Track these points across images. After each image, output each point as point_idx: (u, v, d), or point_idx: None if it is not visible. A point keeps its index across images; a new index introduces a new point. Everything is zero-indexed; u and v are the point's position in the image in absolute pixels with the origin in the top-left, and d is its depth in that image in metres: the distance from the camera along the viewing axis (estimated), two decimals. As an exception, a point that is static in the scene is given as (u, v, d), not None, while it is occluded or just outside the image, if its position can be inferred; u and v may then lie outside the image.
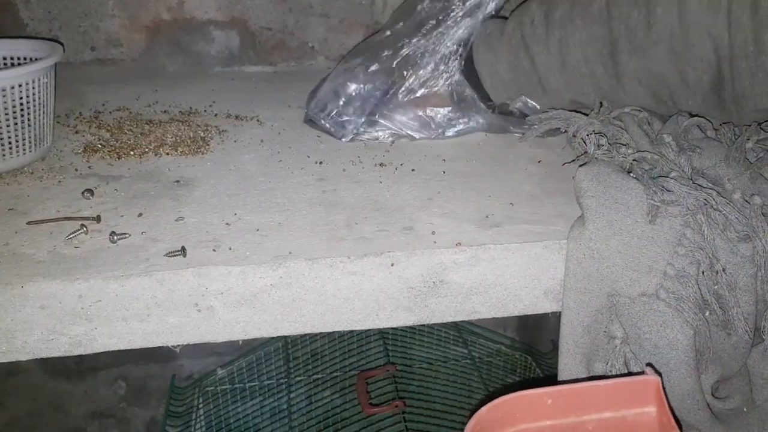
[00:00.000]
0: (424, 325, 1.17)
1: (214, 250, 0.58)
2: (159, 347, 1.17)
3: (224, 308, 0.57)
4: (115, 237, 0.59)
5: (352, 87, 0.81)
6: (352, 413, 1.01)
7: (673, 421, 0.46)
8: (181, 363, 1.25)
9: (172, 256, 0.57)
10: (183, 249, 0.57)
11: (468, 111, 0.82)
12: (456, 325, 1.19)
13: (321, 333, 1.16)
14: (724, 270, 0.58)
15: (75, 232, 0.60)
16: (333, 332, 1.16)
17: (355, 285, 0.58)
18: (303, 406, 1.11)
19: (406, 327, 1.17)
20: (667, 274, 0.58)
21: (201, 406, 1.13)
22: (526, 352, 1.22)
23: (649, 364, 0.53)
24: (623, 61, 0.73)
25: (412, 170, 0.73)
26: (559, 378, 0.63)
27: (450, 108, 0.82)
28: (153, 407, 1.26)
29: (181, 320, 0.56)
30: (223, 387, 1.14)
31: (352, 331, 1.16)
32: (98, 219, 0.62)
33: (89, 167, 0.74)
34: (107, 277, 0.54)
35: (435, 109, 0.82)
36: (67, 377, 1.22)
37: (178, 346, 0.58)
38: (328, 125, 0.81)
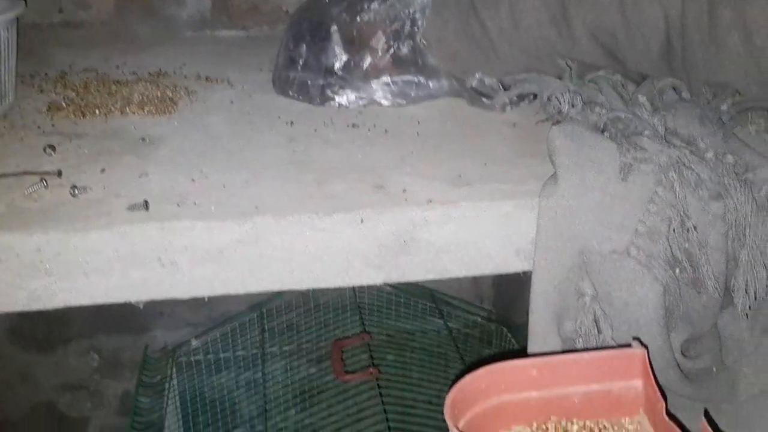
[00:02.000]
0: (400, 297, 1.16)
1: (178, 205, 0.56)
2: (132, 318, 1.15)
3: (189, 264, 0.55)
4: (76, 191, 0.57)
5: (303, 49, 0.79)
6: (327, 381, 1.00)
7: (659, 394, 0.45)
8: (154, 334, 1.23)
9: (135, 210, 0.55)
10: (146, 203, 0.56)
11: (432, 77, 0.79)
12: (432, 297, 1.19)
13: (296, 304, 1.15)
14: (695, 228, 0.58)
15: (34, 185, 0.58)
16: (308, 303, 1.15)
17: (324, 242, 0.57)
18: (278, 376, 1.10)
19: (383, 298, 1.16)
20: (639, 231, 0.58)
21: (174, 376, 1.11)
22: (502, 324, 1.22)
23: (636, 338, 0.52)
24: (575, 19, 0.71)
25: (386, 131, 0.72)
26: (530, 336, 0.62)
27: (414, 75, 0.79)
28: (126, 379, 1.24)
29: (144, 275, 0.55)
30: (197, 358, 1.13)
31: (327, 302, 1.16)
32: (59, 174, 0.60)
33: (53, 125, 0.72)
34: (67, 230, 0.53)
35: (400, 76, 0.79)
36: (37, 348, 1.20)
37: (142, 302, 0.57)
38: (291, 92, 0.80)
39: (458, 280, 1.34)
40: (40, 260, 0.53)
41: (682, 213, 0.58)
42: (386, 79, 0.79)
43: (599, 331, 0.59)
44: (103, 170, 0.62)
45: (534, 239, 0.60)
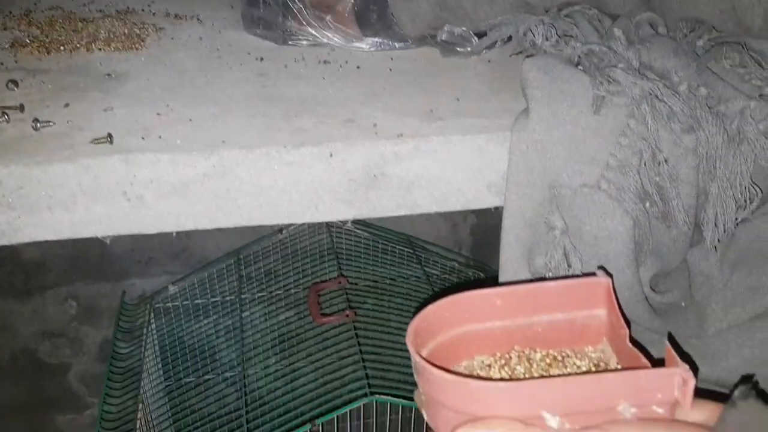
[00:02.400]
0: (378, 242, 1.16)
1: (143, 138, 0.55)
2: (109, 267, 1.15)
3: (155, 198, 0.54)
4: (38, 125, 0.56)
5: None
6: (304, 324, 1.01)
7: (622, 321, 0.43)
8: (132, 282, 1.23)
9: (98, 143, 0.54)
10: (109, 136, 0.55)
11: (400, 41, 0.77)
12: (410, 242, 1.19)
13: (273, 250, 1.15)
14: (666, 161, 0.58)
15: (-5, 120, 0.57)
16: (286, 250, 1.15)
17: (293, 176, 0.56)
18: (256, 322, 1.10)
19: (360, 244, 1.16)
20: (609, 164, 0.57)
21: (153, 322, 1.11)
22: (479, 270, 1.23)
23: (600, 267, 0.51)
24: None
25: (358, 68, 0.71)
26: (501, 272, 0.62)
27: (381, 38, 0.76)
28: (105, 327, 1.24)
29: (109, 210, 0.54)
30: (175, 304, 1.13)
31: (305, 249, 1.15)
32: (22, 108, 0.59)
33: (16, 61, 0.70)
34: (28, 163, 0.52)
35: (364, 39, 0.76)
36: (14, 296, 1.19)
37: (108, 237, 0.56)
38: (258, 31, 0.78)
39: (436, 227, 1.34)
40: (2, 194, 0.52)
41: (653, 146, 0.57)
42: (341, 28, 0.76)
43: (569, 265, 0.59)
44: (66, 105, 0.61)
45: (506, 174, 0.59)
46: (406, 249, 1.18)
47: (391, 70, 0.70)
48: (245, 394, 0.95)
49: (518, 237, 0.60)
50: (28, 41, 0.73)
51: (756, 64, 0.63)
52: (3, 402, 1.27)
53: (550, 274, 0.59)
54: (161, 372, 1.13)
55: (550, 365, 0.44)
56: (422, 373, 0.39)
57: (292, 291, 1.12)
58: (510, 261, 0.62)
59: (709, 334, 0.64)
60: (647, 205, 0.58)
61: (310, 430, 0.85)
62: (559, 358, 0.45)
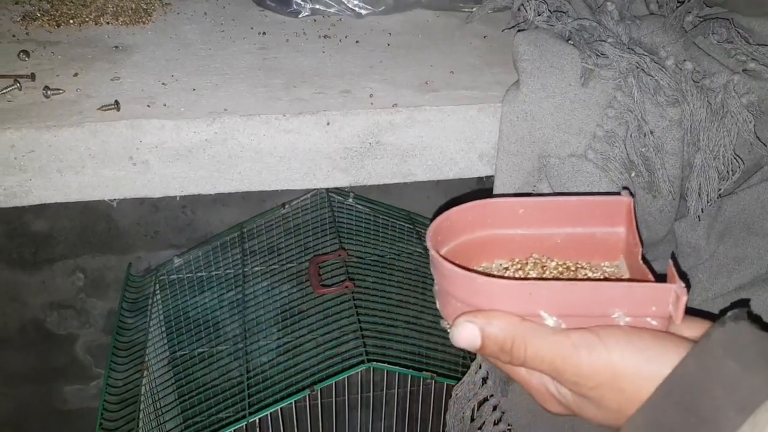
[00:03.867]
0: (378, 218, 1.19)
1: (148, 106, 0.58)
2: (116, 240, 1.17)
3: (160, 162, 0.57)
4: (49, 92, 0.59)
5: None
6: (304, 296, 1.03)
7: (638, 239, 0.44)
8: (138, 255, 1.25)
9: (106, 109, 0.57)
10: (116, 103, 0.57)
11: None
12: (410, 218, 1.21)
13: (276, 225, 1.17)
14: (651, 132, 0.60)
15: (8, 87, 0.59)
16: (288, 224, 1.17)
17: (292, 143, 0.58)
18: (258, 294, 1.13)
19: (361, 219, 1.19)
20: (596, 135, 0.59)
21: (158, 294, 1.14)
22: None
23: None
24: None
25: (356, 42, 0.73)
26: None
27: None
28: (111, 299, 1.27)
29: (116, 173, 0.57)
30: (180, 276, 1.16)
31: (307, 223, 1.18)
32: (33, 77, 0.61)
33: (27, 34, 0.72)
34: (39, 127, 0.54)
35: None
36: (22, 268, 1.22)
37: (115, 200, 0.58)
38: (268, 1, 0.80)
39: (436, 205, 1.36)
40: (14, 157, 0.55)
41: (639, 117, 0.59)
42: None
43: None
44: (75, 74, 0.63)
45: (497, 144, 0.62)
46: (406, 224, 1.20)
47: (389, 44, 0.72)
48: (247, 367, 0.98)
49: (508, 205, 0.62)
50: (38, 15, 0.76)
51: (742, 39, 0.65)
52: (11, 371, 1.31)
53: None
54: (166, 344, 1.16)
55: (561, 273, 0.46)
56: (437, 266, 0.41)
57: (294, 264, 1.15)
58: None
59: (695, 303, 0.66)
60: (633, 175, 0.60)
61: (309, 396, 0.88)
62: (573, 268, 0.47)
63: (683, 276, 0.39)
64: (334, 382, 0.88)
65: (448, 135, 0.61)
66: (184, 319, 1.16)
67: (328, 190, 1.15)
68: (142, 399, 0.98)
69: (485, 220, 0.46)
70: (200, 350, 1.14)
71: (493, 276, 0.42)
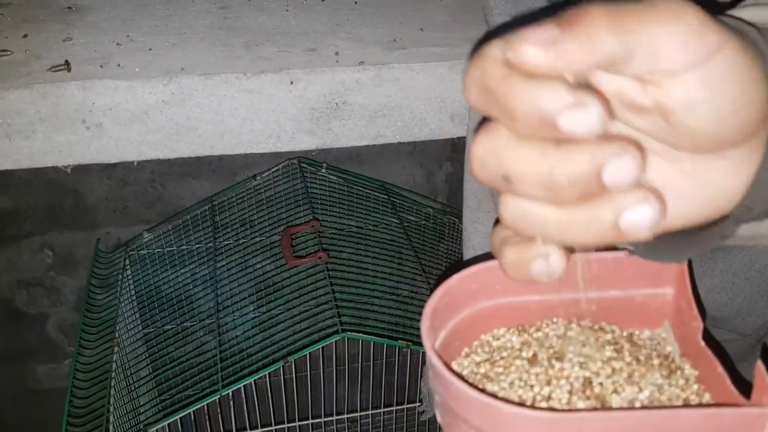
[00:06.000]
0: (352, 189, 1.17)
1: (101, 66, 0.55)
2: (84, 215, 1.14)
3: (114, 126, 0.54)
4: (-6, 53, 0.55)
5: None
6: (278, 268, 1.01)
7: (695, 308, 0.34)
8: (108, 231, 1.22)
9: (56, 70, 0.54)
10: (67, 63, 0.54)
11: None
12: (384, 189, 1.19)
13: (247, 197, 1.15)
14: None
15: (-50, 48, 0.56)
16: (259, 196, 1.15)
17: (253, 104, 0.56)
18: (231, 268, 1.11)
19: (334, 190, 1.16)
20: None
21: (128, 269, 1.12)
22: (455, 216, 1.24)
23: None
24: None
25: (322, 0, 0.70)
26: (465, 202, 0.63)
27: None
28: (82, 276, 1.24)
29: (69, 138, 0.54)
30: (150, 251, 1.13)
31: (280, 195, 1.16)
32: (-23, 38, 0.58)
33: (-26, -5, 0.68)
34: (-17, 89, 0.51)
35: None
36: (-12, 246, 1.19)
37: (69, 166, 0.56)
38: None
39: (412, 175, 1.34)
40: (-42, 121, 0.52)
41: (613, 73, 0.58)
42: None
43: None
44: (25, 36, 0.60)
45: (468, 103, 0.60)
46: (381, 195, 1.18)
47: (356, 2, 0.70)
48: (220, 341, 0.96)
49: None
50: (-14, -24, 0.72)
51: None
52: (-18, 352, 1.28)
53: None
54: (139, 319, 1.14)
55: (588, 345, 0.35)
56: (442, 381, 0.31)
57: (266, 237, 1.13)
58: (473, 191, 0.62)
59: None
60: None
61: (284, 369, 0.86)
62: (602, 341, 0.35)
63: None
64: (308, 353, 0.87)
65: (418, 94, 0.59)
66: (156, 295, 1.13)
67: (300, 160, 1.13)
68: (113, 376, 0.96)
69: (493, 287, 0.36)
70: (173, 325, 1.12)
71: (521, 405, 0.31)
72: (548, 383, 0.32)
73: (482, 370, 0.34)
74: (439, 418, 0.33)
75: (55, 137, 0.54)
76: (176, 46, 0.58)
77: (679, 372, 0.33)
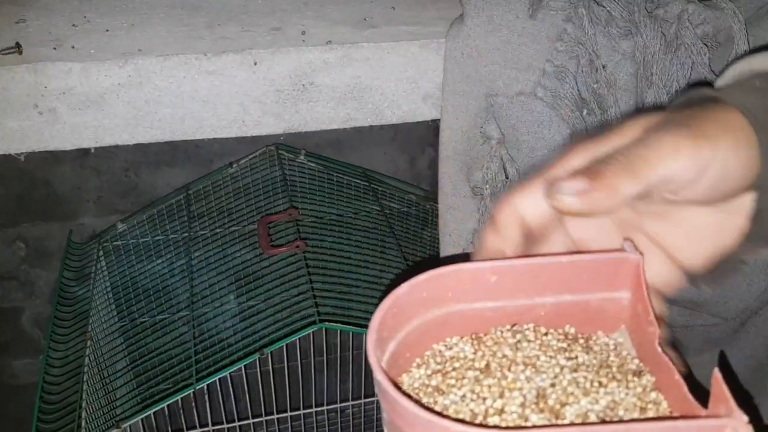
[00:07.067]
0: (332, 176, 1.14)
1: (54, 48, 0.52)
2: (56, 206, 1.11)
3: (69, 111, 0.52)
4: (-60, 35, 0.53)
5: None
6: (254, 257, 0.99)
7: (651, 314, 0.33)
8: (81, 222, 1.19)
9: (6, 53, 0.51)
10: (18, 45, 0.51)
11: None
12: (365, 175, 1.17)
13: (224, 185, 1.12)
14: (604, 67, 0.56)
15: None
16: (237, 184, 1.12)
17: (215, 86, 0.54)
18: (207, 258, 1.08)
19: (314, 177, 1.14)
20: (546, 71, 0.56)
21: (102, 260, 1.09)
22: (437, 202, 1.22)
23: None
24: None
25: (291, -21, 0.67)
26: (440, 187, 0.61)
27: None
28: (56, 268, 1.21)
29: (21, 124, 0.51)
30: (125, 242, 1.10)
31: (257, 183, 1.13)
32: (-76, 20, 0.55)
33: (-76, -24, 0.65)
34: (-74, 73, 0.49)
35: None
36: (-42, 239, 1.16)
37: (23, 153, 0.53)
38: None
39: (395, 162, 1.32)
40: None
41: (591, 51, 0.56)
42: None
43: (506, 177, 0.58)
44: (-25, 17, 0.57)
45: (441, 84, 0.57)
46: (362, 182, 1.16)
47: (326, -19, 0.67)
48: (194, 333, 0.94)
49: (456, 150, 0.59)
50: (-61, -44, 0.69)
51: (698, -33, 0.61)
52: (-45, 347, 1.25)
53: (488, 187, 0.58)
54: (114, 312, 1.11)
55: (544, 356, 0.34)
56: (387, 399, 0.29)
57: (244, 226, 1.10)
58: (448, 175, 0.60)
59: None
60: (584, 113, 0.57)
61: (260, 361, 0.84)
62: (557, 347, 0.34)
63: (736, 390, 0.27)
64: (285, 344, 0.84)
65: (389, 74, 0.57)
66: (131, 286, 1.11)
67: (278, 146, 1.10)
68: (86, 370, 0.93)
69: (445, 295, 0.34)
70: (149, 317, 1.10)
71: (475, 425, 0.29)
72: (501, 395, 0.31)
73: (434, 383, 0.32)
74: None
75: (6, 123, 0.51)
76: (135, 26, 0.55)
77: (636, 379, 0.32)
